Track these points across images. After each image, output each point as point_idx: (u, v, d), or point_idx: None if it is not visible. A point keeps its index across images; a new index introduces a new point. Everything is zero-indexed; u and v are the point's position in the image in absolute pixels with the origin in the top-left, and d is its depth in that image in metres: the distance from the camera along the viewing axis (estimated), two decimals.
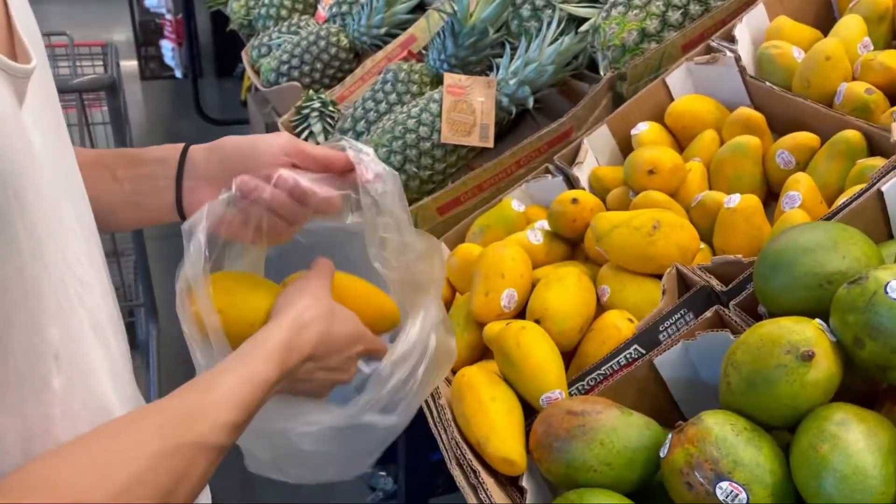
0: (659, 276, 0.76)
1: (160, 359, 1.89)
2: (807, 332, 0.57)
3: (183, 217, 0.61)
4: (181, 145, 0.64)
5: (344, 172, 0.62)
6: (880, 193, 0.69)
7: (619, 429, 0.62)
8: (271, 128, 2.50)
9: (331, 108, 1.38)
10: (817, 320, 0.58)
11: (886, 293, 0.54)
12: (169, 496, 0.43)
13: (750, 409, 0.58)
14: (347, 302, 0.59)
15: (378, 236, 0.61)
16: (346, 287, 0.62)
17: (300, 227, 0.62)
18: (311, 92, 1.44)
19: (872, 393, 0.60)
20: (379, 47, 1.48)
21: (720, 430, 0.56)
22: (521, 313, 0.81)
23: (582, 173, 0.97)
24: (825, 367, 0.56)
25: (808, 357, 0.55)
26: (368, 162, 0.62)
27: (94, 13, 5.95)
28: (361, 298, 0.62)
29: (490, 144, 1.11)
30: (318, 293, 0.56)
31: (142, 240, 1.85)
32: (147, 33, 4.01)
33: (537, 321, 0.75)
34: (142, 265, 1.86)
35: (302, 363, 0.53)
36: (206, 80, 4.02)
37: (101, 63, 2.07)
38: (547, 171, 1.00)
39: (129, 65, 4.05)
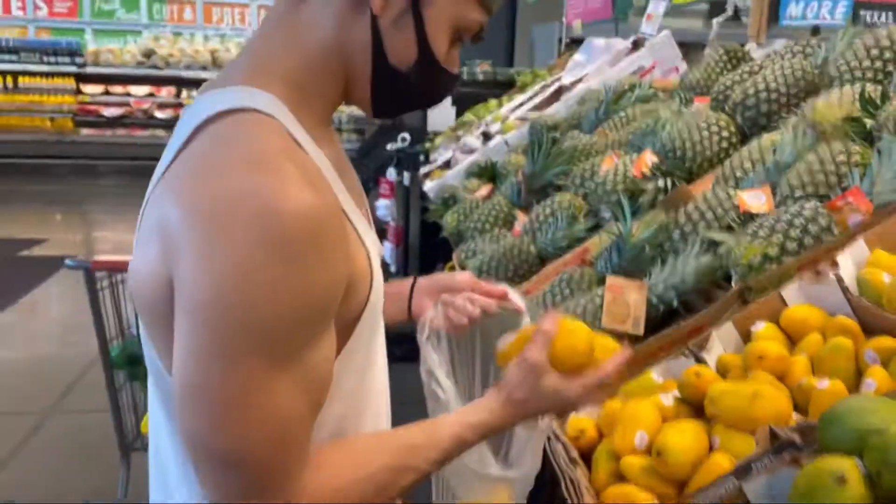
0: None
1: None
2: (844, 464, 0.80)
3: (411, 314, 1.08)
4: (413, 278, 1.12)
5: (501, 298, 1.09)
6: None
7: None
8: None
9: None
10: (854, 458, 0.82)
11: None
12: (381, 493, 0.79)
13: None
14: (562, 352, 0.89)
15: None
16: (563, 337, 0.91)
17: (476, 322, 1.06)
18: None
19: None
20: (560, 255, 1.89)
21: None
22: (650, 452, 1.08)
23: (710, 358, 1.25)
24: (856, 490, 0.79)
25: (842, 481, 0.79)
26: (515, 295, 1.09)
27: None
28: (575, 350, 0.90)
29: (640, 332, 1.42)
30: (525, 369, 0.87)
31: None
32: None
33: (658, 454, 1.02)
34: None
35: (499, 429, 0.88)
36: (411, 275, 4.69)
37: None
38: (682, 353, 1.29)
39: None
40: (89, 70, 9.73)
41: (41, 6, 10.00)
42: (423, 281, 1.11)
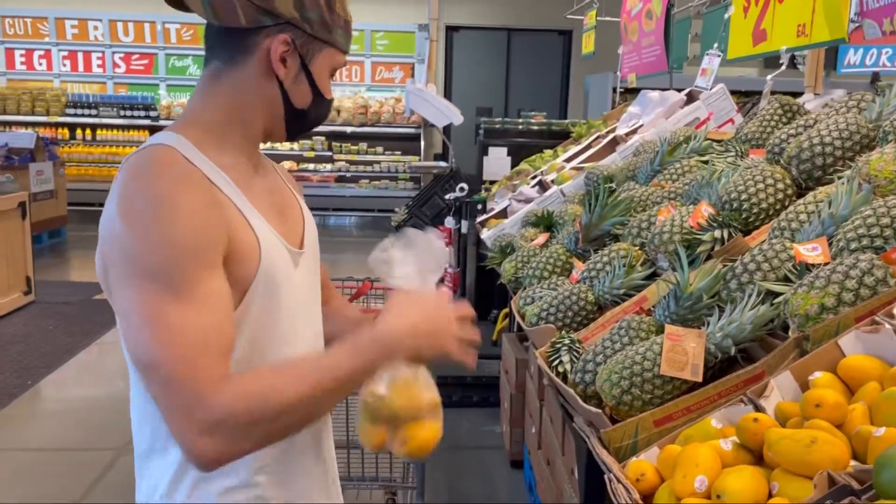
0: None
1: None
2: None
3: None
4: None
5: None
6: None
7: None
8: (521, 364, 3.01)
9: (577, 344, 1.83)
10: None
11: None
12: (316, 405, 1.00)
13: None
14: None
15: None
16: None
17: None
18: (562, 332, 1.91)
19: None
20: (618, 303, 1.95)
21: None
22: (709, 496, 1.12)
23: (768, 405, 1.29)
24: None
25: None
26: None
27: None
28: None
29: (699, 379, 1.46)
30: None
31: None
32: None
33: (718, 497, 1.06)
34: None
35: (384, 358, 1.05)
36: None
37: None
38: (741, 401, 1.33)
39: None
40: (162, 123, 10.29)
41: (120, 64, 10.66)
42: None
